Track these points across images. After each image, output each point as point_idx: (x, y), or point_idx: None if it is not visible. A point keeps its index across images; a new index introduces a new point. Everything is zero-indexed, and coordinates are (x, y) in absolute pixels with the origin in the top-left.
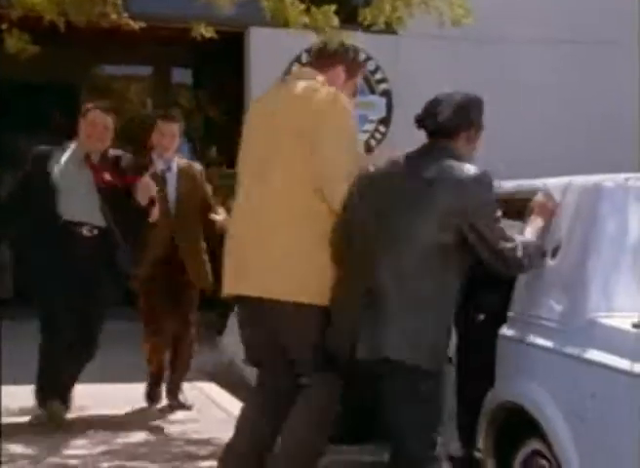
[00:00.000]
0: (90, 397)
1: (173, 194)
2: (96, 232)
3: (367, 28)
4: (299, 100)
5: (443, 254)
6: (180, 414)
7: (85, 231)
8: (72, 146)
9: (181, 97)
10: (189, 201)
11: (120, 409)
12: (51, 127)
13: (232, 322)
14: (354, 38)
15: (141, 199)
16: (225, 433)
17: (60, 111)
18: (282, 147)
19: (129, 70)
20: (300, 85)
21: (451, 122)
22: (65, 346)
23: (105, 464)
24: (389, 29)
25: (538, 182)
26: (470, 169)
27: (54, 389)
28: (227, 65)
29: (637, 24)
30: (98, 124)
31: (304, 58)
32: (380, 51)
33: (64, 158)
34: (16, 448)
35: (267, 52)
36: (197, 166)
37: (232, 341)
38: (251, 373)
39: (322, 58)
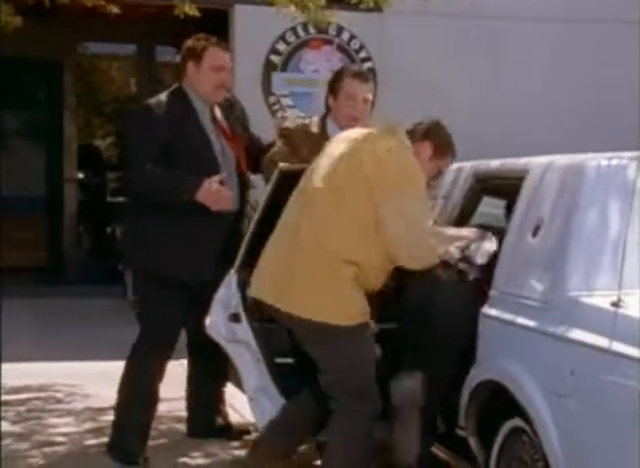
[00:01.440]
0: (83, 374)
1: None
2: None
3: (354, 6)
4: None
5: None
6: (166, 392)
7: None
8: (193, 97)
9: (166, 76)
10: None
11: (110, 388)
12: (33, 103)
13: (216, 302)
14: (339, 17)
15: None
16: None
17: (43, 88)
18: None
19: (112, 48)
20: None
21: None
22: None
23: (93, 441)
24: (375, 7)
25: (521, 161)
26: None
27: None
28: None
29: (639, 1)
30: (223, 67)
31: (289, 36)
32: (364, 29)
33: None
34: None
35: (252, 29)
36: None
37: (216, 321)
38: (234, 352)
39: (415, 131)
